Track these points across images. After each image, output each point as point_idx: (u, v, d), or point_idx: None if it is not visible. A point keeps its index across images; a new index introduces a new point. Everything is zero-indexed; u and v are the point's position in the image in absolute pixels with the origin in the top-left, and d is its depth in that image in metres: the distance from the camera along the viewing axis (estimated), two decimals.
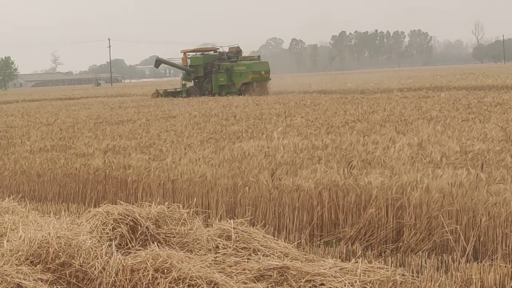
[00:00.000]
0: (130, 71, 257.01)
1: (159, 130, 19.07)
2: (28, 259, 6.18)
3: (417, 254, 7.85)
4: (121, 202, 7.56)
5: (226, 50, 52.24)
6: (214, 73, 49.57)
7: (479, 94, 31.39)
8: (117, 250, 6.48)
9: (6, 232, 7.08)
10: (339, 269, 6.31)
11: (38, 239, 6.28)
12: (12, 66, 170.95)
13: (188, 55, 52.11)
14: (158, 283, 5.95)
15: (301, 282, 6.10)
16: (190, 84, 51.62)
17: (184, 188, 10.64)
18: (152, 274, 6.01)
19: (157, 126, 20.92)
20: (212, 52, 52.58)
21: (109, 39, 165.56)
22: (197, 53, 52.49)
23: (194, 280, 5.89)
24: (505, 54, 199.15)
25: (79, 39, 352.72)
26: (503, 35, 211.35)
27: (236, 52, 51.40)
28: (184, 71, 52.22)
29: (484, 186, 8.34)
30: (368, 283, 6.09)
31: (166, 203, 7.62)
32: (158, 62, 54.68)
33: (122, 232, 6.92)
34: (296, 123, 19.06)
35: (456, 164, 10.03)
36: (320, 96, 38.56)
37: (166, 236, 7.10)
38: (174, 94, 50.63)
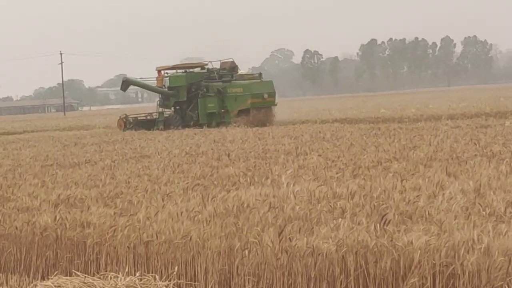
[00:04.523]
0: (90, 95, 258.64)
1: (128, 175, 19.11)
2: None
3: None
4: (77, 273, 7.58)
5: (217, 66, 51.75)
6: (201, 97, 49.21)
7: None
8: None
9: None
10: None
11: None
12: None
13: (166, 73, 51.66)
14: None
15: None
16: (169, 111, 51.22)
17: (162, 253, 10.66)
18: None
19: (126, 169, 20.97)
20: (198, 69, 52.14)
21: (61, 53, 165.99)
22: (178, 71, 52.22)
23: None
24: None
25: (22, 55, 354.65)
26: None
27: (230, 69, 50.98)
28: (160, 95, 51.93)
29: None
30: None
31: (138, 273, 7.65)
32: (126, 83, 52.53)
33: None
34: (312, 164, 19.11)
35: None
36: (343, 126, 38.71)
37: None
38: (148, 124, 50.17)
